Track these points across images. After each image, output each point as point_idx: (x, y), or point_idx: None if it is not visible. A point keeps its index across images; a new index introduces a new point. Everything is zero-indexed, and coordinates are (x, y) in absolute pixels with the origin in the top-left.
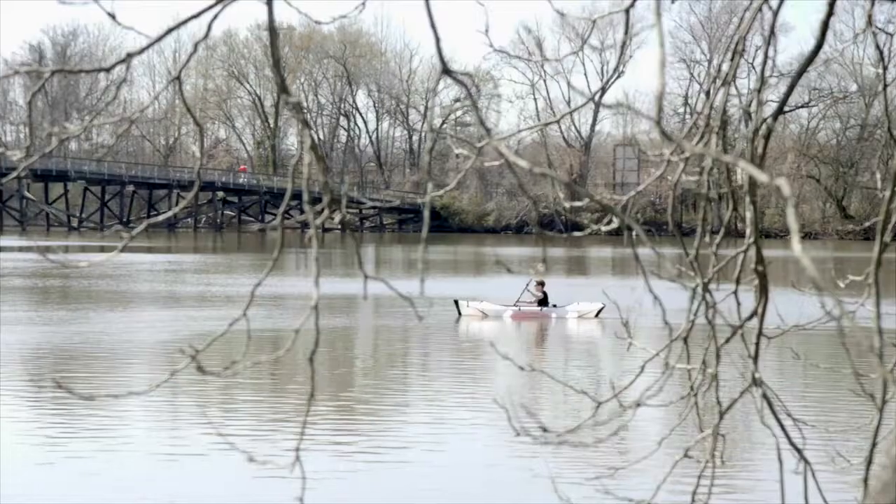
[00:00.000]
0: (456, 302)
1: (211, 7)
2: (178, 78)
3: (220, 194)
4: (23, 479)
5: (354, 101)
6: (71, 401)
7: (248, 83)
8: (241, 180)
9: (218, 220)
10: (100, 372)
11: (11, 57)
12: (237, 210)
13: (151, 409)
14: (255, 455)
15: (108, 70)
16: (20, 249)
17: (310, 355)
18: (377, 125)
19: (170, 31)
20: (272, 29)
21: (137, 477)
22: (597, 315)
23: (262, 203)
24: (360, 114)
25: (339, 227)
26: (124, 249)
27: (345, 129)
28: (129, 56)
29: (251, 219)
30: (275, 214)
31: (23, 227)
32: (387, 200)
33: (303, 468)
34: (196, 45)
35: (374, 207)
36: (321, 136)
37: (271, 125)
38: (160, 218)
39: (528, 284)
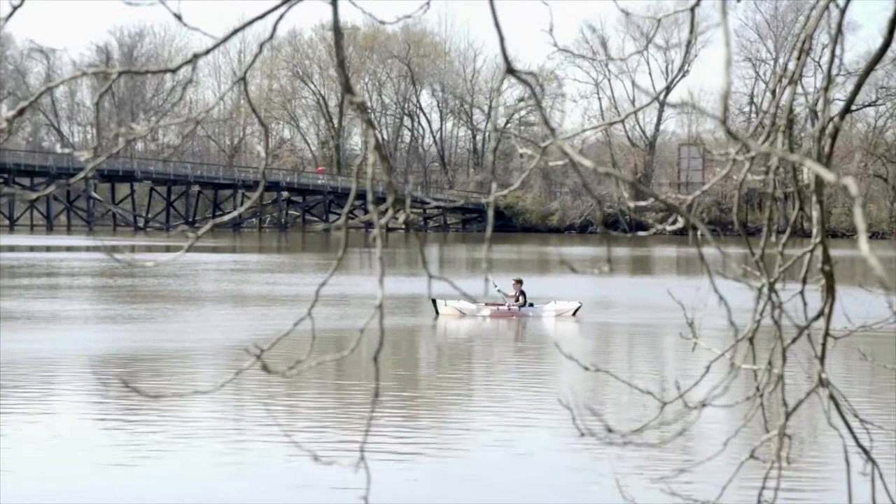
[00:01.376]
0: (433, 301)
1: (276, 8)
2: (244, 78)
3: (285, 194)
4: (89, 479)
5: (418, 101)
6: (137, 400)
7: (313, 83)
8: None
9: (282, 220)
10: (166, 371)
11: (79, 58)
12: (302, 210)
13: (216, 409)
14: (319, 454)
15: (174, 71)
16: (87, 249)
17: (374, 355)
18: (441, 125)
19: (235, 31)
20: (337, 29)
21: (202, 476)
22: (574, 314)
23: (326, 203)
24: (424, 113)
25: (404, 226)
26: (190, 249)
27: (409, 128)
28: (196, 57)
29: (315, 218)
30: (339, 214)
31: (90, 227)
32: (451, 200)
33: (367, 467)
34: (261, 46)
35: (437, 207)
36: (385, 136)
37: (335, 125)
38: (225, 218)
39: (495, 286)
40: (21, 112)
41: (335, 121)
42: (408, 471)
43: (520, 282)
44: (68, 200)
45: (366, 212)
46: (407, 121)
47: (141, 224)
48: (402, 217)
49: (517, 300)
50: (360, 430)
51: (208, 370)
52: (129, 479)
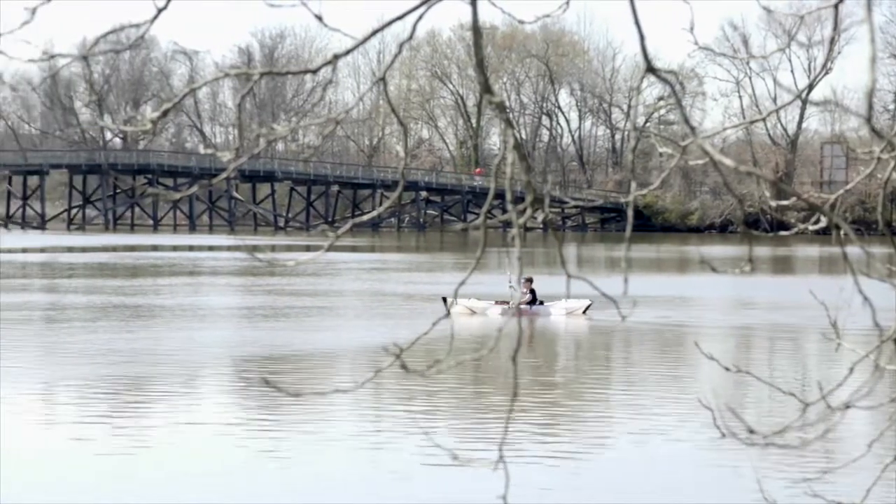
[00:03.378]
0: (444, 299)
1: (415, 8)
2: (383, 79)
3: (424, 194)
4: (228, 477)
5: (557, 100)
6: (278, 398)
7: (451, 83)
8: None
9: (421, 220)
10: (305, 370)
11: (221, 60)
12: (440, 210)
13: (355, 408)
14: (458, 454)
15: (314, 72)
16: (229, 248)
17: (513, 354)
18: (579, 124)
19: (375, 32)
20: (476, 29)
21: (341, 475)
22: (584, 312)
23: (464, 202)
24: (563, 113)
25: (542, 226)
26: (330, 248)
27: (547, 128)
28: (336, 58)
29: (454, 218)
30: (477, 214)
31: (231, 227)
32: (589, 200)
33: (506, 467)
34: (401, 46)
35: (576, 207)
36: (523, 136)
37: (474, 125)
38: (365, 217)
39: (510, 283)
40: (165, 113)
41: (473, 120)
42: (546, 471)
43: (530, 280)
44: (210, 200)
45: (504, 211)
46: (545, 120)
47: (281, 224)
48: (540, 216)
49: (530, 298)
50: (499, 429)
51: (348, 369)
52: (266, 475)
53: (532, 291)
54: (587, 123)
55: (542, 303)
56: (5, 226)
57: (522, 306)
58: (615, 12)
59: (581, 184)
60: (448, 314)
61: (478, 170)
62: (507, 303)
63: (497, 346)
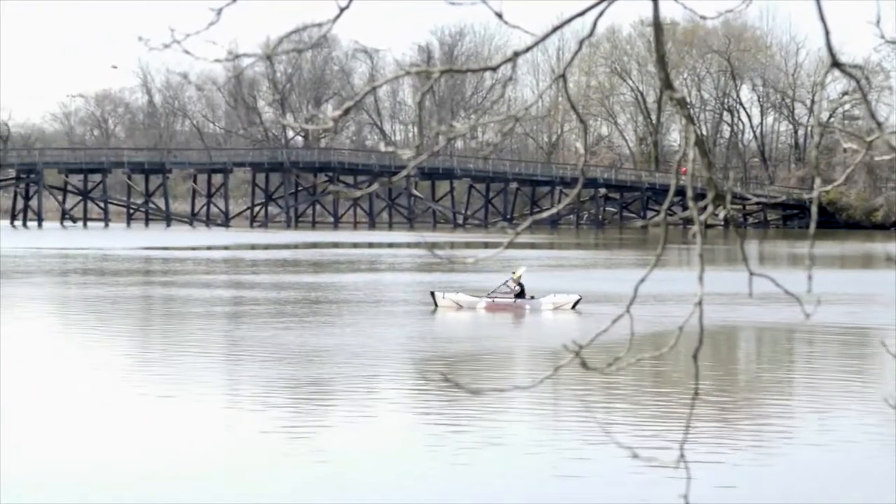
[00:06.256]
0: (432, 293)
1: (596, 5)
2: (563, 75)
3: (603, 191)
4: (404, 472)
5: (738, 96)
6: (457, 395)
7: (631, 79)
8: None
9: (600, 217)
10: (484, 367)
11: (401, 58)
12: (619, 207)
13: (534, 405)
14: (638, 452)
15: (494, 69)
16: (408, 245)
17: (694, 353)
18: (761, 120)
19: (555, 29)
20: (657, 25)
21: (520, 473)
22: (573, 307)
23: (643, 199)
24: (744, 108)
25: (722, 223)
26: (509, 245)
27: (728, 124)
28: (516, 55)
29: (633, 215)
30: (656, 211)
31: (410, 224)
32: (771, 196)
33: (688, 466)
34: (581, 43)
35: (758, 203)
36: (704, 132)
37: (653, 121)
38: (544, 214)
39: (507, 280)
40: (346, 112)
41: (653, 117)
42: (727, 471)
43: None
44: (390, 198)
45: (684, 208)
46: (726, 116)
47: (460, 221)
48: (721, 213)
49: (517, 292)
50: (680, 427)
51: (525, 366)
52: (445, 471)
53: (520, 286)
54: (769, 119)
55: (532, 297)
56: (190, 223)
57: (504, 300)
58: (798, 7)
59: (763, 180)
60: (436, 308)
61: (683, 168)
62: (494, 297)
63: (677, 345)
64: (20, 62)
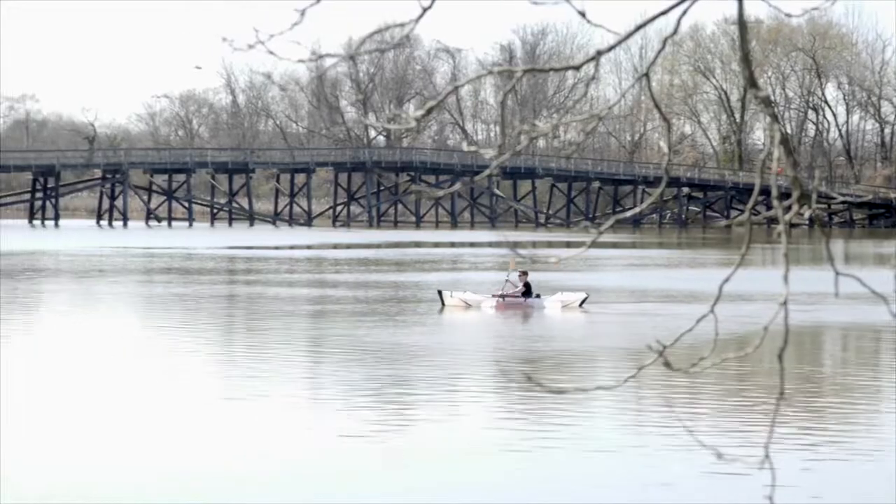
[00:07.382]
0: (440, 292)
1: (679, 3)
2: (646, 74)
3: (686, 190)
4: (486, 472)
5: (823, 94)
6: (538, 395)
7: (715, 78)
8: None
9: (683, 216)
10: (566, 366)
11: (483, 57)
12: (702, 206)
13: (617, 406)
14: (723, 453)
15: (577, 68)
16: (490, 245)
17: (779, 353)
18: (847, 118)
19: (638, 28)
20: (741, 23)
21: (602, 473)
22: (581, 305)
23: (727, 199)
24: (830, 107)
25: (807, 222)
26: (592, 245)
27: (813, 122)
28: (599, 54)
29: (716, 214)
30: (740, 210)
31: (492, 224)
32: (857, 195)
33: (772, 467)
34: (664, 42)
35: (843, 202)
36: (789, 131)
37: (737, 120)
38: (627, 214)
39: (508, 276)
40: (429, 111)
41: (737, 115)
42: (812, 471)
43: (525, 273)
44: (472, 197)
45: (769, 207)
46: (811, 114)
47: (542, 220)
48: (806, 212)
49: (523, 290)
50: (764, 429)
51: (609, 366)
52: (528, 471)
53: (527, 284)
54: (855, 117)
55: (538, 296)
56: (273, 223)
57: (513, 299)
58: (885, 4)
59: (848, 179)
60: (443, 307)
61: (779, 168)
62: (502, 296)
63: (762, 345)
64: (106, 64)
